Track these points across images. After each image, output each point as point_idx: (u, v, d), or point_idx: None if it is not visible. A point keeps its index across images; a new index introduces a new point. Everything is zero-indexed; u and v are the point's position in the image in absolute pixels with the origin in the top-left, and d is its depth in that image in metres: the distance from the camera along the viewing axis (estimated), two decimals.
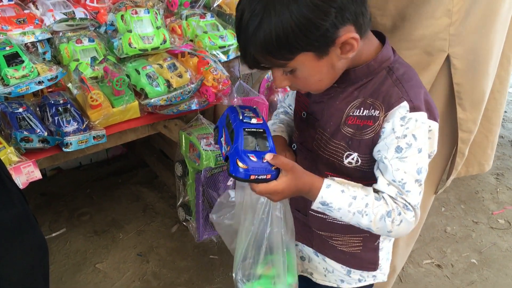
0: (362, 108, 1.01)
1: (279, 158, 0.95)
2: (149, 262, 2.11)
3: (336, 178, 0.99)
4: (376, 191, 0.99)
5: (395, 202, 0.97)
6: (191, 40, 1.97)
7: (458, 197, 2.80)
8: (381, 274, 1.24)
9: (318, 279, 1.28)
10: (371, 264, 1.20)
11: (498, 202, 2.77)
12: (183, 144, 1.88)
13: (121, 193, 2.41)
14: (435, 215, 2.62)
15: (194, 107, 1.79)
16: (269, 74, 2.15)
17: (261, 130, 0.99)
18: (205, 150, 1.79)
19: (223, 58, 1.90)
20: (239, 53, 1.85)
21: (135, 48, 1.75)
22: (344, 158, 1.04)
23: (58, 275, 1.99)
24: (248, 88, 2.04)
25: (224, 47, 1.94)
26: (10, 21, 1.73)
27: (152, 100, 1.67)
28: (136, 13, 1.80)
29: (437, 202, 2.71)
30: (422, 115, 0.97)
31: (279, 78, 0.98)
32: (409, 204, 0.97)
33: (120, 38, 1.77)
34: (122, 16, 1.80)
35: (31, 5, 1.88)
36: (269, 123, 1.29)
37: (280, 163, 0.95)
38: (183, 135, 1.86)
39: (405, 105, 0.96)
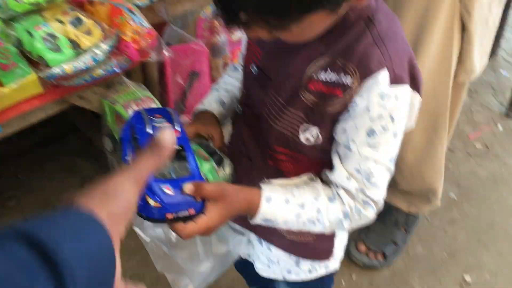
0: (329, 70, 0.76)
1: (202, 187, 0.70)
2: None
3: (274, 181, 0.83)
4: (328, 183, 0.83)
5: (354, 199, 0.81)
6: None
7: None
8: (334, 261, 1.06)
9: (260, 269, 1.09)
10: (325, 253, 1.02)
11: (474, 123, 2.56)
12: (108, 115, 1.53)
13: (52, 167, 2.07)
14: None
15: (114, 70, 1.42)
16: (206, 12, 1.76)
17: (178, 147, 0.72)
18: None
19: (144, 1, 1.49)
20: None
21: (24, 2, 1.34)
22: (300, 133, 0.81)
23: None
24: (181, 34, 1.67)
25: None
26: None
27: (54, 70, 1.30)
28: None
29: None
30: (405, 90, 0.76)
31: (260, 33, 0.70)
32: (372, 200, 0.81)
33: None
34: None
35: None
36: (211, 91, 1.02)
37: (206, 194, 0.71)
38: (106, 105, 1.51)
39: (385, 75, 0.73)
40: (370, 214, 0.82)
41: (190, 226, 0.71)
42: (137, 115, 0.75)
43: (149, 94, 1.54)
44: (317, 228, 0.83)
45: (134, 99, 1.50)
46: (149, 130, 0.71)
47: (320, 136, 0.81)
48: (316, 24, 0.69)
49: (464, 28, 1.42)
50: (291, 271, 1.04)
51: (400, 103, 0.76)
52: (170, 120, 0.74)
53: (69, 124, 2.20)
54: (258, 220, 0.81)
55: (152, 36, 1.45)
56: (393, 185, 1.94)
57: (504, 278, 1.88)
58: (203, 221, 0.72)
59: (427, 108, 1.54)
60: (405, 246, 1.94)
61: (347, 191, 0.81)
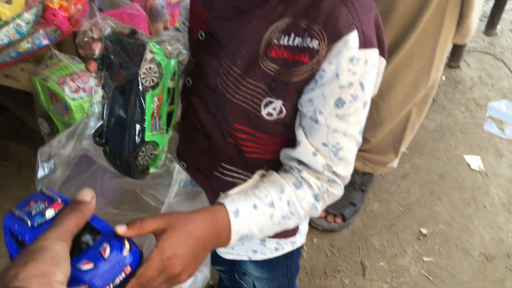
0: (292, 34, 0.68)
1: (133, 227, 0.57)
2: None
3: (230, 192, 0.72)
4: (287, 167, 0.76)
5: (319, 179, 0.74)
6: None
7: None
8: (300, 236, 1.00)
9: (222, 252, 1.01)
10: (291, 231, 0.94)
11: None
12: (41, 94, 1.38)
13: None
14: None
15: (42, 42, 1.27)
16: None
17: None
18: (73, 99, 1.32)
19: None
20: None
21: None
22: (262, 107, 0.72)
23: None
24: None
25: None
26: None
27: None
28: None
29: None
30: (374, 54, 0.70)
31: None
32: (338, 176, 0.74)
33: None
34: None
35: None
36: None
37: (138, 231, 0.57)
38: (37, 82, 1.35)
39: (355, 37, 0.66)
40: (337, 191, 0.76)
41: (140, 275, 0.56)
42: (8, 218, 0.60)
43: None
44: (293, 222, 0.74)
45: (69, 74, 1.35)
46: (29, 223, 0.56)
47: (283, 109, 0.72)
48: None
49: None
50: (257, 251, 0.97)
51: (369, 68, 0.69)
52: (47, 198, 0.61)
53: None
54: (233, 241, 0.69)
55: (82, 1, 1.30)
56: None
57: (457, 226, 1.92)
58: (153, 262, 0.57)
59: (411, 65, 1.52)
60: (363, 205, 1.94)
61: (310, 172, 0.73)
